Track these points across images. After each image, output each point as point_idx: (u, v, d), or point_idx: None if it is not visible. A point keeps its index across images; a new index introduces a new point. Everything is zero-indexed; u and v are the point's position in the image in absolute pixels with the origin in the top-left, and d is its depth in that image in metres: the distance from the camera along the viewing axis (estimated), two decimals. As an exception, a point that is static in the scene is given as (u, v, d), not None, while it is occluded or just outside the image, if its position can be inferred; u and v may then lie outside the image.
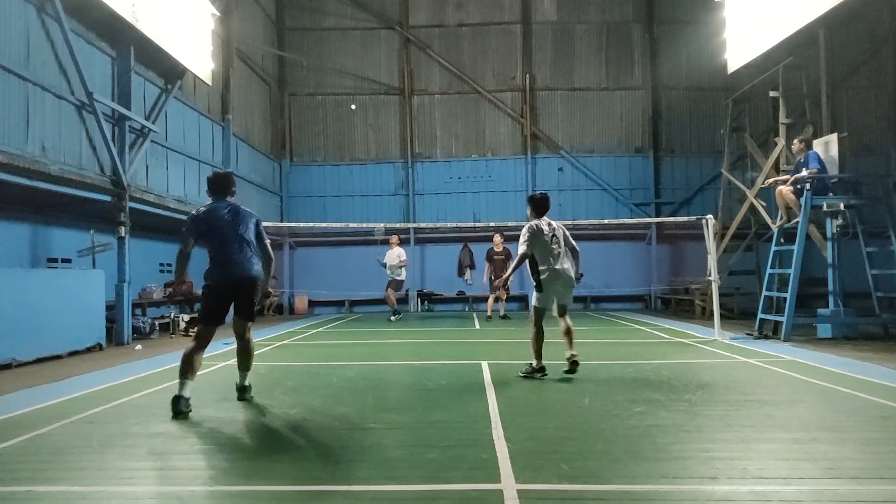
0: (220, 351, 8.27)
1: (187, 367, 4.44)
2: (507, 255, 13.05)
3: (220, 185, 4.91)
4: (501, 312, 13.48)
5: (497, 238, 13.40)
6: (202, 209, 4.84)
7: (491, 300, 13.40)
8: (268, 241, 5.02)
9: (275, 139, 17.74)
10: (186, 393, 4.40)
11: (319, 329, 11.69)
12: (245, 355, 4.92)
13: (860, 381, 5.42)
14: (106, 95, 9.28)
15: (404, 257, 13.15)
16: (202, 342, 4.60)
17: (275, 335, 10.52)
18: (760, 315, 9.41)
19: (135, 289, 10.48)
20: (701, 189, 17.31)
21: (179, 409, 4.30)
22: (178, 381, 4.44)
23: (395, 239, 13.33)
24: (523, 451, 3.43)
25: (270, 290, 5.18)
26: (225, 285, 4.74)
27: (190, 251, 4.87)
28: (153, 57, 10.44)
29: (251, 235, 4.84)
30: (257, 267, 4.83)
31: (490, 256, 13.42)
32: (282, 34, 17.88)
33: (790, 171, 9.53)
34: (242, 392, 4.95)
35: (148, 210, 10.34)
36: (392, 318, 12.92)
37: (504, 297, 13.55)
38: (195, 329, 5.31)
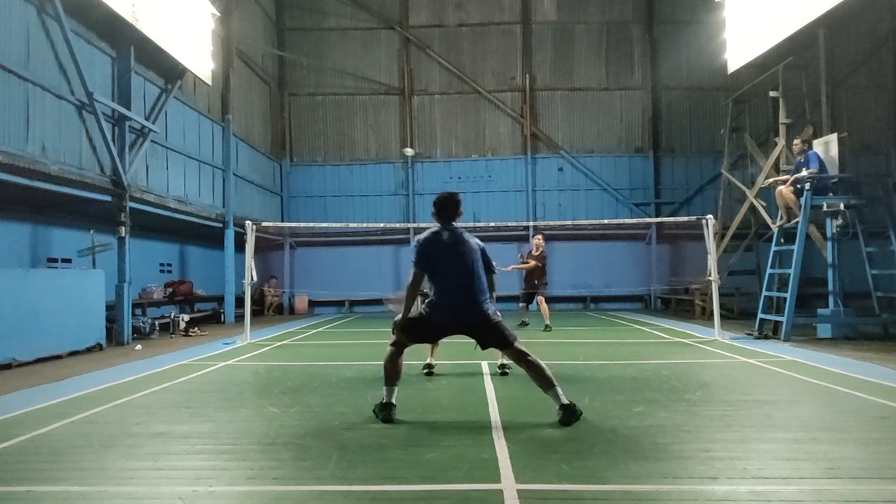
0: (220, 351, 8.28)
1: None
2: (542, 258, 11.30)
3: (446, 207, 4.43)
4: (547, 320, 11.16)
5: (538, 239, 11.40)
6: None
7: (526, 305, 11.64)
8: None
9: (275, 139, 17.74)
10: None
11: (319, 329, 11.69)
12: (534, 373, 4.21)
13: (860, 381, 5.42)
14: (106, 95, 9.28)
15: None
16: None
17: (275, 335, 10.52)
18: (760, 315, 9.40)
19: (135, 289, 10.49)
20: (701, 189, 17.32)
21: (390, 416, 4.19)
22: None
23: None
24: (523, 451, 3.43)
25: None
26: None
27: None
28: (153, 57, 10.44)
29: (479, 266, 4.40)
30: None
31: (531, 258, 11.29)
32: (282, 34, 17.89)
33: (790, 171, 9.52)
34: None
35: (148, 210, 10.35)
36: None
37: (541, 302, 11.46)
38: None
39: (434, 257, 4.31)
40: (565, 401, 4.05)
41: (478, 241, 4.55)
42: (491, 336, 4.29)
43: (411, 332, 4.36)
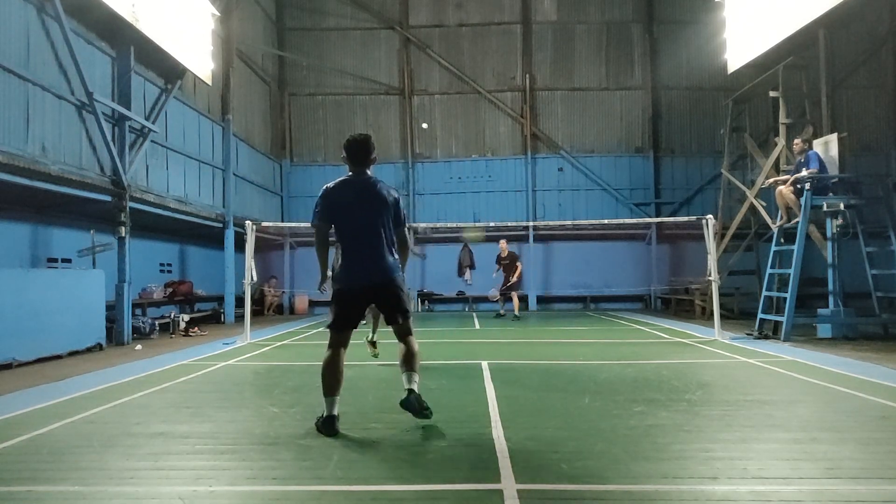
0: (220, 351, 8.28)
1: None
2: (512, 260, 13.69)
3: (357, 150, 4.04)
4: (516, 311, 13.62)
5: (502, 243, 13.92)
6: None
7: (502, 300, 14.10)
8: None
9: (275, 139, 17.74)
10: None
11: (319, 329, 11.69)
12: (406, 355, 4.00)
13: (860, 381, 5.42)
14: (106, 95, 9.28)
15: None
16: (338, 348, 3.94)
17: (275, 335, 10.52)
18: (760, 315, 9.40)
19: (135, 289, 10.49)
20: (701, 189, 17.31)
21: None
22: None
23: None
24: (523, 451, 3.43)
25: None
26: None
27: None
28: (153, 57, 10.44)
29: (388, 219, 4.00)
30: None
31: (498, 261, 13.91)
32: (282, 34, 17.88)
33: (790, 171, 9.53)
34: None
35: (148, 210, 10.35)
36: None
37: (515, 299, 13.77)
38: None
39: (337, 210, 3.93)
40: (414, 388, 3.92)
41: (394, 192, 4.10)
42: (396, 307, 3.98)
43: (338, 321, 3.93)
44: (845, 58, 15.14)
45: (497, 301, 14.34)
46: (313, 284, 4.38)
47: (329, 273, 4.19)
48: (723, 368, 6.42)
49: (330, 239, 4.16)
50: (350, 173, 4.07)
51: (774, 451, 3.40)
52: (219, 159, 13.47)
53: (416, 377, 3.99)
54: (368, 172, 4.07)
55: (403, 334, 4.05)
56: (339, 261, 4.10)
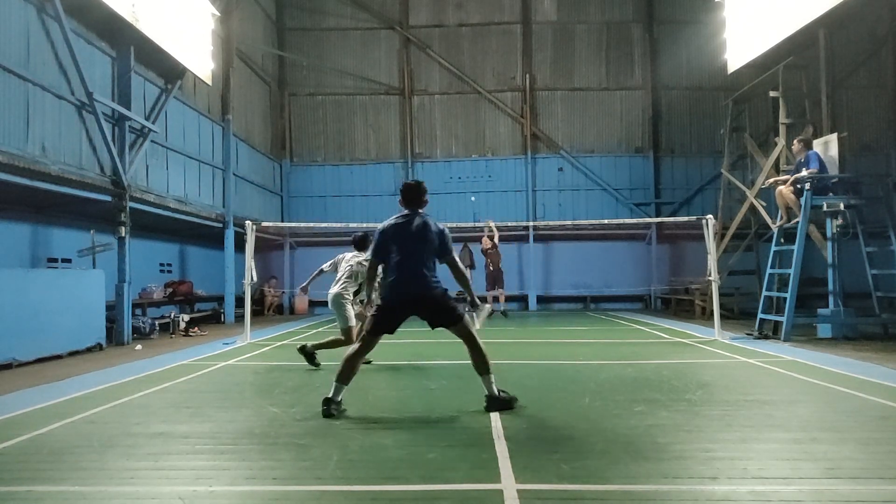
0: (220, 351, 8.28)
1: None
2: (495, 246, 14.19)
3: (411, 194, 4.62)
4: (502, 308, 13.74)
5: (485, 240, 14.33)
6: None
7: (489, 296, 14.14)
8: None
9: (275, 139, 17.74)
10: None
11: (320, 329, 11.68)
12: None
13: (860, 381, 5.42)
14: (106, 95, 9.28)
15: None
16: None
17: (275, 335, 10.52)
18: (760, 315, 9.40)
19: (135, 289, 10.49)
20: (701, 189, 17.31)
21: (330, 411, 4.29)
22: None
23: None
24: (523, 451, 3.43)
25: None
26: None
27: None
28: (153, 57, 10.44)
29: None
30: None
31: (486, 254, 14.28)
32: (282, 34, 17.88)
33: (790, 171, 9.52)
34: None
35: (148, 210, 10.35)
36: None
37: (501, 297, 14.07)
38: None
39: (390, 245, 4.52)
40: (494, 392, 4.44)
41: (439, 226, 4.59)
42: (439, 314, 4.48)
43: (375, 327, 4.49)
44: (845, 58, 15.13)
45: (490, 302, 14.41)
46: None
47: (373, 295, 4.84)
48: (723, 368, 6.42)
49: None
50: (404, 211, 4.62)
51: (774, 451, 3.40)
52: (219, 159, 13.47)
53: (489, 379, 4.46)
54: (420, 212, 4.61)
55: (462, 339, 4.49)
56: (385, 279, 4.64)
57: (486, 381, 4.47)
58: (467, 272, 5.68)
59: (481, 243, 14.25)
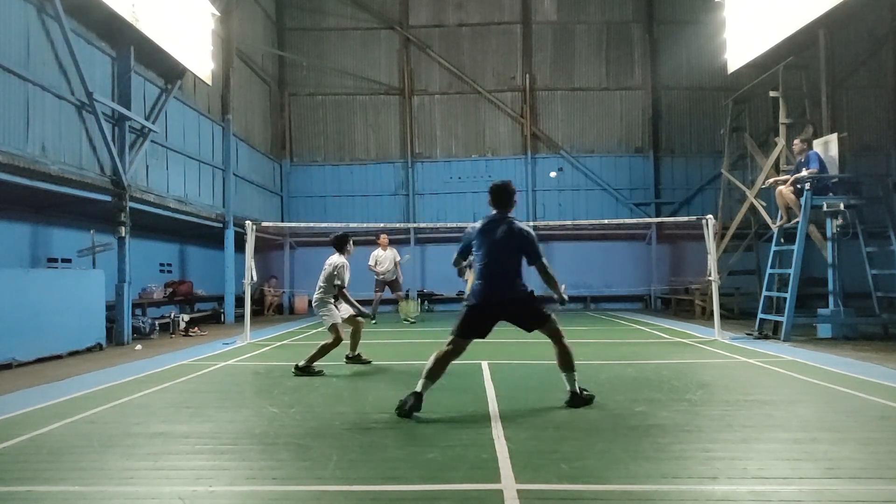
0: (220, 351, 8.28)
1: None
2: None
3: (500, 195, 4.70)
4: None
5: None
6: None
7: None
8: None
9: (275, 139, 17.74)
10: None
11: (319, 329, 11.67)
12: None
13: (860, 381, 5.42)
14: (106, 95, 9.27)
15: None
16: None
17: (275, 335, 10.52)
18: (760, 315, 9.40)
19: (135, 289, 10.49)
20: (701, 189, 17.30)
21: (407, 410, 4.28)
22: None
23: (384, 240, 13.27)
24: (523, 451, 3.43)
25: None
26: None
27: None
28: (153, 57, 10.44)
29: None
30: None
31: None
32: (282, 34, 17.88)
33: (790, 171, 9.52)
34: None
35: (148, 210, 10.35)
36: (373, 320, 12.46)
37: None
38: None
39: (477, 241, 4.62)
40: (576, 389, 4.56)
41: (526, 231, 4.64)
42: (527, 316, 4.58)
43: (464, 330, 4.51)
44: (845, 58, 15.13)
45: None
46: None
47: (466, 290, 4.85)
48: (723, 368, 6.42)
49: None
50: (494, 212, 4.70)
51: (774, 451, 3.40)
52: (219, 159, 13.47)
53: (572, 376, 4.58)
54: (509, 216, 4.68)
55: (550, 337, 4.62)
56: (474, 281, 4.69)
57: (569, 378, 4.57)
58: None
59: None
